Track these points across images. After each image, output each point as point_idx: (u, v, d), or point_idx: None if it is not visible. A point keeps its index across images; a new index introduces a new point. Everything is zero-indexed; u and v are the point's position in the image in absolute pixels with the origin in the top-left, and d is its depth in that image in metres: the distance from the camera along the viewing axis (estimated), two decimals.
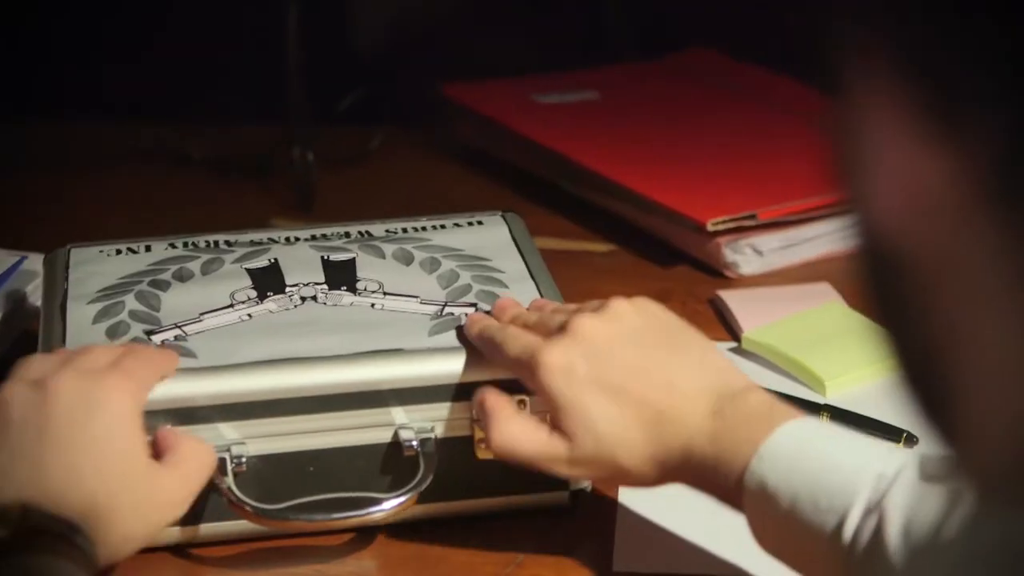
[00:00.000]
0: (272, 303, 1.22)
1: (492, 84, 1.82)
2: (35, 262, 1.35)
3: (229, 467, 1.11)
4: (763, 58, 1.87)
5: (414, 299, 1.22)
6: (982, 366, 0.50)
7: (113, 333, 1.18)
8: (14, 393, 1.04)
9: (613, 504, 1.18)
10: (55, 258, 1.28)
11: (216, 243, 1.30)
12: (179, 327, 1.18)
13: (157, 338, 1.17)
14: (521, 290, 1.24)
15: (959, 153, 0.48)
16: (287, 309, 1.21)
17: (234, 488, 1.10)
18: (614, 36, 2.06)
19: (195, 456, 1.07)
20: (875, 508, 0.93)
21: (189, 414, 1.11)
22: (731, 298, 1.45)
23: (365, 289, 1.24)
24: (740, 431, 1.01)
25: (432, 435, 1.14)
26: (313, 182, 1.68)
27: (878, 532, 0.92)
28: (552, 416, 1.07)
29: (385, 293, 1.23)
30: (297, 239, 1.31)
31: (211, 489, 1.11)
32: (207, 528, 1.13)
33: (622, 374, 1.06)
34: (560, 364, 1.06)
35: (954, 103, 0.48)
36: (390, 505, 1.11)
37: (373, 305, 1.22)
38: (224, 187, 1.74)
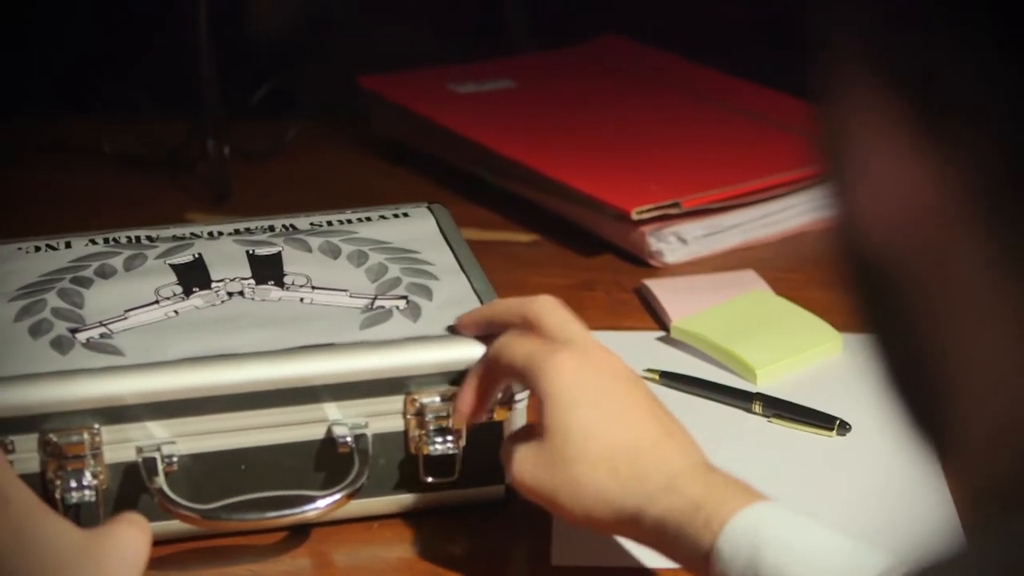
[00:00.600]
0: (198, 299, 1.19)
1: (408, 75, 1.80)
2: None
3: (160, 466, 1.08)
4: (670, 44, 1.87)
5: (343, 293, 1.21)
6: (972, 377, 0.50)
7: (36, 332, 1.15)
8: None
9: None
10: None
11: (138, 239, 1.28)
12: (104, 325, 1.16)
13: (82, 336, 1.14)
14: (451, 282, 1.23)
15: (948, 163, 0.48)
16: (213, 305, 1.19)
17: (165, 488, 1.07)
18: (512, 25, 2.05)
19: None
20: None
21: (117, 413, 1.09)
22: (657, 287, 1.45)
23: (293, 283, 1.22)
24: (708, 508, 0.97)
25: (366, 431, 1.12)
26: (228, 175, 1.66)
27: None
28: (541, 411, 1.04)
29: (313, 287, 1.21)
30: (220, 233, 1.29)
31: (141, 489, 1.09)
32: None
33: (621, 399, 1.05)
34: (569, 367, 1.05)
35: (943, 113, 0.48)
36: (324, 503, 1.09)
37: (302, 300, 1.20)
38: (138, 182, 1.71)
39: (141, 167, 1.72)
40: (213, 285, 1.21)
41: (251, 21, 2.09)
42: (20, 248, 1.26)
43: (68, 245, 1.27)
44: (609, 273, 1.51)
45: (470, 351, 1.13)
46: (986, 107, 0.47)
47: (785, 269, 1.50)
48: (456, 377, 1.13)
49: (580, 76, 1.80)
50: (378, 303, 1.19)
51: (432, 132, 1.70)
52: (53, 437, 1.08)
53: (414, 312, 1.18)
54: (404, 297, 1.20)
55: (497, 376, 1.09)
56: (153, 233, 1.29)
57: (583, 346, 1.08)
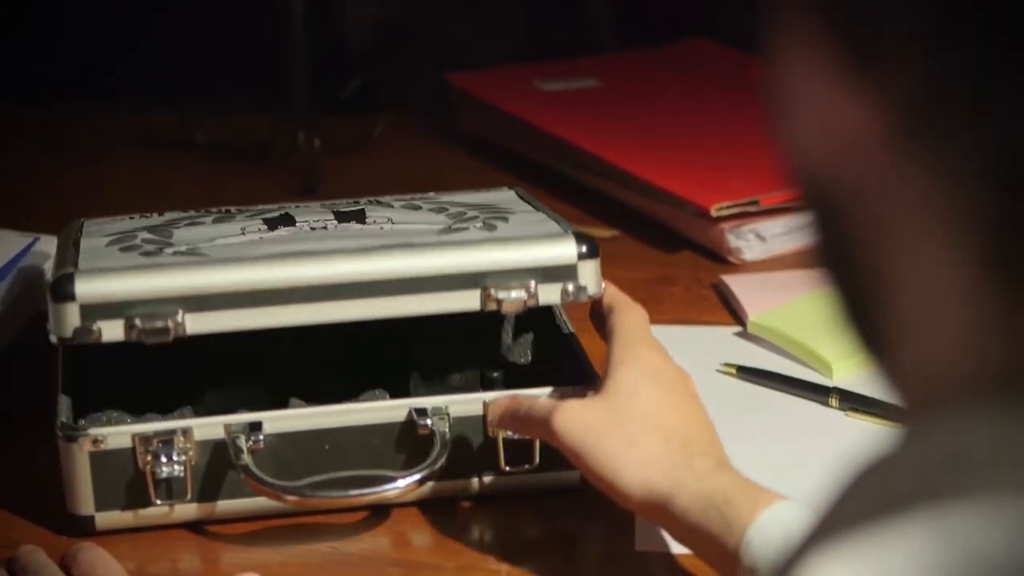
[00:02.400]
0: (283, 231, 1.22)
1: (494, 72, 1.83)
2: (47, 244, 1.36)
3: (246, 445, 1.11)
4: (752, 46, 1.88)
5: (422, 224, 1.23)
6: (912, 301, 0.52)
7: (127, 249, 1.18)
8: None
9: None
10: (69, 229, 1.28)
11: (227, 210, 1.31)
12: (190, 245, 1.19)
13: (170, 250, 1.17)
14: (527, 220, 1.24)
15: (876, 94, 0.50)
16: (297, 233, 1.22)
17: (252, 465, 1.11)
18: (597, 24, 2.07)
19: None
20: None
21: (200, 302, 1.12)
22: (735, 283, 1.47)
23: (374, 222, 1.24)
24: (739, 503, 0.99)
25: (447, 414, 1.15)
26: (318, 167, 1.69)
27: None
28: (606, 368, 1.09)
29: (393, 223, 1.23)
30: (307, 206, 1.32)
31: (228, 467, 1.12)
32: (224, 505, 1.14)
33: (680, 394, 1.07)
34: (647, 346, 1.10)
35: (869, 44, 0.50)
36: (404, 483, 1.12)
37: (382, 228, 1.22)
38: (228, 172, 1.74)
39: (232, 158, 1.76)
40: (298, 224, 1.23)
41: (342, 19, 2.12)
42: (115, 220, 1.29)
43: (161, 214, 1.30)
44: (688, 269, 1.53)
45: (545, 250, 1.17)
46: (909, 37, 0.49)
47: None
48: (532, 274, 1.15)
49: (663, 76, 1.83)
50: (456, 225, 1.22)
51: (517, 128, 1.73)
52: (138, 322, 1.11)
53: (490, 227, 1.21)
54: (480, 219, 1.23)
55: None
56: (242, 208, 1.31)
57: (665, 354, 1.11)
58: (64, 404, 1.15)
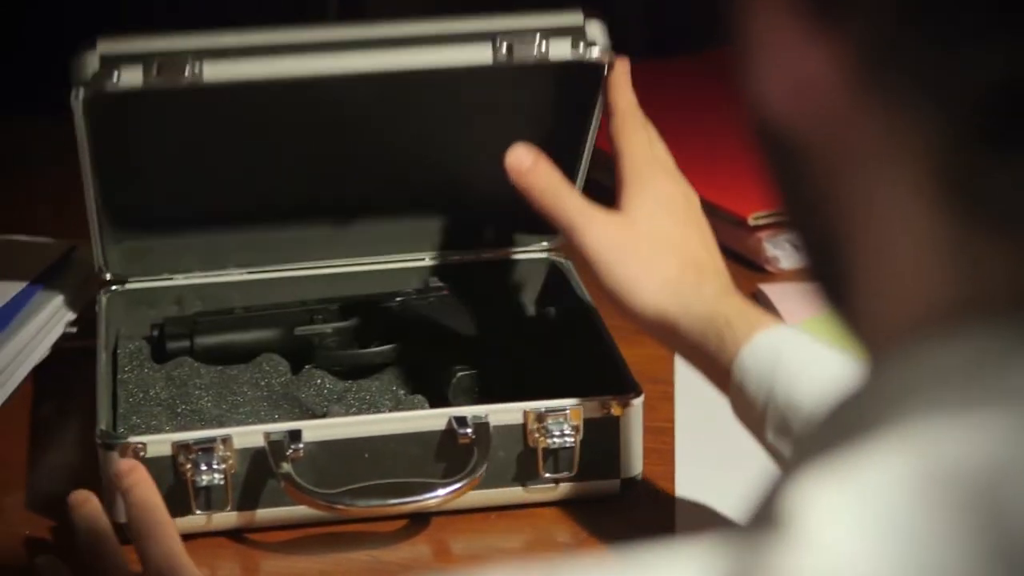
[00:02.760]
0: None
1: None
2: (85, 251, 1.35)
3: (287, 453, 1.11)
4: None
5: None
6: (872, 242, 0.53)
7: None
8: None
9: (666, 493, 1.19)
10: None
11: None
12: None
13: None
14: None
15: (836, 36, 0.51)
16: None
17: (292, 473, 1.10)
18: (631, 33, 2.07)
19: None
20: None
21: (219, 53, 1.18)
22: (774, 292, 1.46)
23: None
24: (739, 325, 1.05)
25: (486, 422, 1.14)
26: None
27: None
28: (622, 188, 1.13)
29: None
30: None
31: (268, 475, 1.12)
32: (263, 513, 1.14)
33: (695, 215, 1.15)
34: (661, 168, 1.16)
35: None
36: (444, 492, 1.12)
37: None
38: None
39: None
40: None
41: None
42: None
43: None
44: None
45: (552, 16, 1.24)
46: None
47: None
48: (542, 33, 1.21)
49: (699, 84, 1.82)
50: None
51: None
52: (155, 67, 1.16)
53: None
54: None
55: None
56: None
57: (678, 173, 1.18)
58: (103, 411, 1.15)
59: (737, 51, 0.56)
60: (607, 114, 1.18)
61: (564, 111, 1.32)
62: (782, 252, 1.52)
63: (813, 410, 0.94)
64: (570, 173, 1.30)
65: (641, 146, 1.15)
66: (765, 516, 0.51)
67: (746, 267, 1.54)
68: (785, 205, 0.57)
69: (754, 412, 1.03)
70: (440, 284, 1.35)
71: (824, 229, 0.55)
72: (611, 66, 1.20)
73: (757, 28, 0.54)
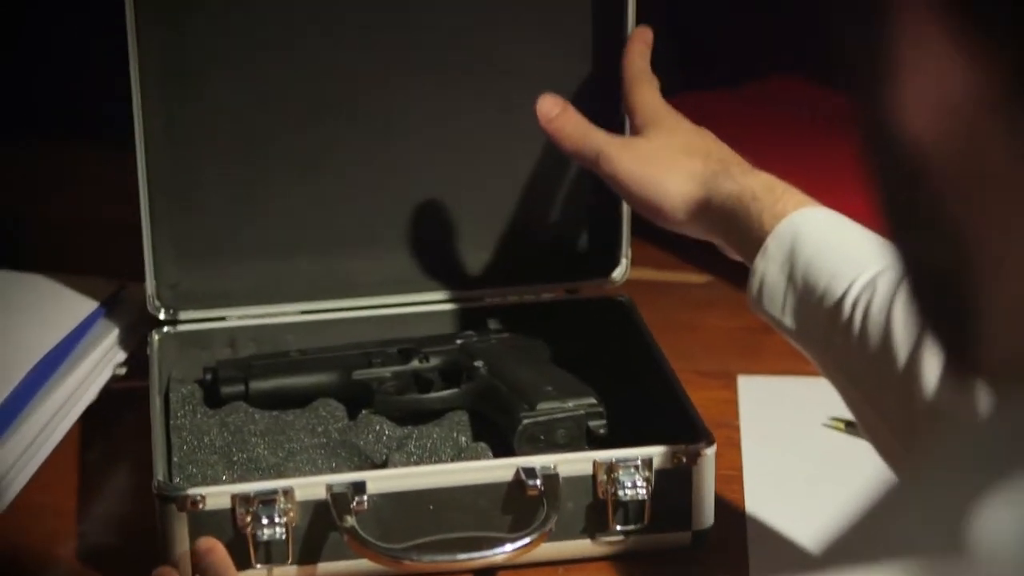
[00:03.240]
0: None
1: None
2: (135, 291, 1.32)
3: (351, 505, 1.08)
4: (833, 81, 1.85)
5: None
6: (1008, 279, 0.51)
7: None
8: None
9: (738, 545, 1.15)
10: None
11: None
12: None
13: None
14: None
15: (988, 62, 0.49)
16: None
17: (357, 527, 1.07)
18: (668, 66, 2.03)
19: None
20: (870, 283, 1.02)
21: None
22: None
23: None
24: (764, 200, 1.10)
25: (556, 473, 1.11)
26: None
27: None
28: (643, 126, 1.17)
29: None
30: None
31: (331, 528, 1.09)
32: (325, 567, 1.11)
33: (715, 140, 1.18)
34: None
35: (981, 7, 0.49)
36: (513, 547, 1.08)
37: None
38: None
39: None
40: None
41: None
42: None
43: None
44: None
45: None
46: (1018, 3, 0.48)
47: None
48: None
49: (744, 115, 1.78)
50: None
51: None
52: None
53: None
54: None
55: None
56: None
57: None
58: (159, 461, 1.12)
59: (869, 71, 0.54)
60: (621, 76, 1.22)
61: None
62: None
63: (826, 290, 1.03)
64: (619, 200, 1.31)
65: (654, 96, 1.20)
66: (951, 547, 0.49)
67: None
68: (900, 230, 0.55)
69: (776, 296, 1.07)
70: (500, 327, 1.32)
71: (948, 257, 0.53)
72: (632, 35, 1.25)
73: (904, 49, 0.52)
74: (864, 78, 0.55)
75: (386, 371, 1.26)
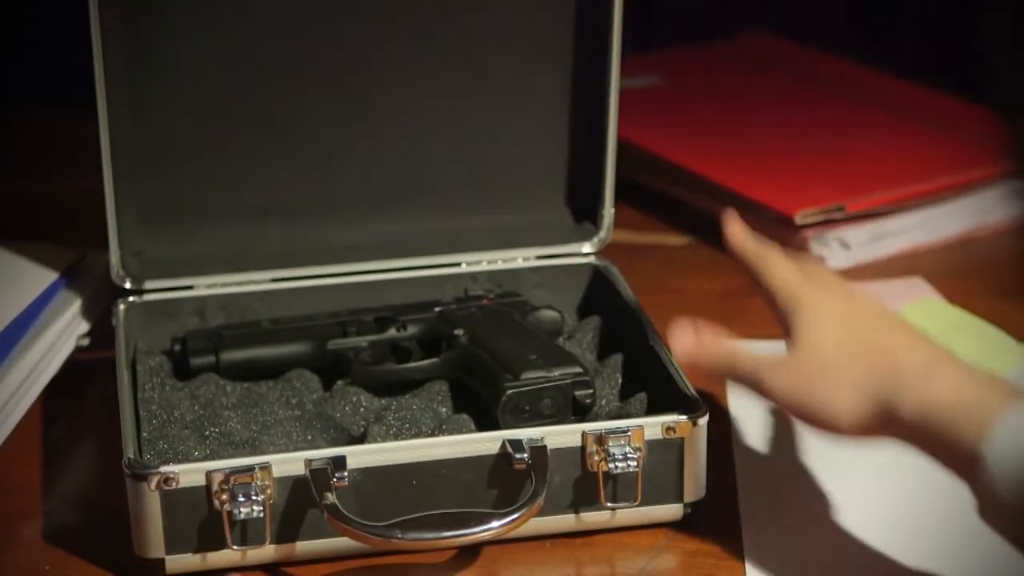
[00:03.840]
0: None
1: None
2: (96, 260, 1.27)
3: (331, 482, 1.03)
4: (815, 40, 1.82)
5: None
6: None
7: None
8: None
9: (730, 517, 1.11)
10: None
11: None
12: None
13: None
14: None
15: None
16: None
17: (338, 504, 1.02)
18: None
19: None
20: None
21: None
22: None
23: None
24: (971, 401, 0.95)
25: (543, 445, 1.07)
26: None
27: None
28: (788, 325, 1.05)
29: None
30: None
31: (310, 504, 1.04)
32: (303, 546, 1.06)
33: (869, 318, 1.04)
34: (818, 287, 1.06)
35: None
36: (499, 523, 1.04)
37: None
38: None
39: None
40: None
41: None
42: None
43: None
44: None
45: None
46: None
47: (954, 276, 1.44)
48: None
49: (728, 73, 1.75)
50: None
51: None
52: None
53: None
54: None
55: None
56: None
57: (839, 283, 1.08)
58: (129, 437, 1.07)
59: None
60: (738, 259, 1.13)
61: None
62: (829, 251, 1.45)
63: None
64: (599, 163, 1.29)
65: (783, 275, 1.08)
66: None
67: None
68: None
69: (1006, 510, 0.93)
70: (480, 292, 1.28)
71: None
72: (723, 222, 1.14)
73: None
74: None
75: (362, 340, 1.22)
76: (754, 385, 1.04)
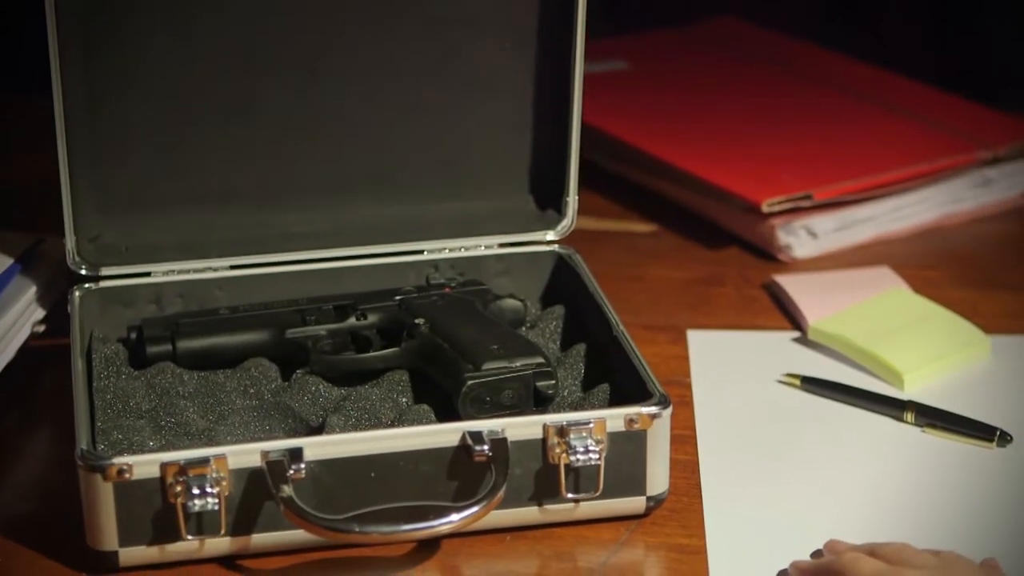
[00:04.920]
0: None
1: None
2: (53, 246, 1.25)
3: (288, 474, 1.01)
4: (780, 24, 1.80)
5: None
6: None
7: None
8: None
9: (693, 509, 1.10)
10: None
11: None
12: None
13: None
14: None
15: None
16: None
17: (295, 497, 1.01)
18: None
19: None
20: None
21: None
22: (790, 284, 1.37)
23: None
24: None
25: (504, 438, 1.05)
26: None
27: None
28: None
29: None
30: None
31: (266, 497, 1.02)
32: (259, 539, 1.04)
33: None
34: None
35: None
36: (459, 517, 1.02)
37: None
38: None
39: None
40: None
41: None
42: None
43: None
44: (735, 268, 1.44)
45: None
46: None
47: (921, 266, 1.43)
48: None
49: (697, 58, 1.73)
50: None
51: None
52: None
53: None
54: None
55: None
56: None
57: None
58: (83, 428, 1.05)
59: None
60: None
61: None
62: (795, 240, 1.44)
63: None
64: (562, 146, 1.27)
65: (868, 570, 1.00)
66: None
67: (758, 256, 1.45)
68: None
69: None
70: (442, 281, 1.26)
71: None
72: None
73: None
74: None
75: (321, 329, 1.20)
76: None
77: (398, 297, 1.23)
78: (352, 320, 1.21)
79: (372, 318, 1.21)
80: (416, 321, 1.19)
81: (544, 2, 1.26)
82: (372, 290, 1.24)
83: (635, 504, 1.09)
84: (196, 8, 1.21)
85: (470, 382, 1.11)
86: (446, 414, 1.12)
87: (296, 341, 1.19)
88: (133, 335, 1.20)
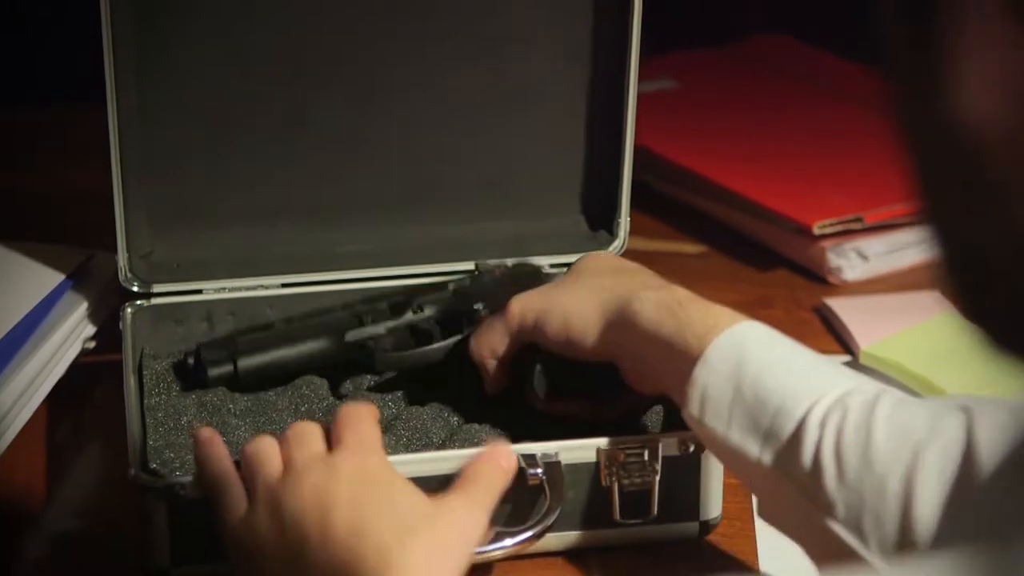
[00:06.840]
0: None
1: None
2: (105, 262, 1.25)
3: None
4: (829, 43, 1.79)
5: None
6: None
7: None
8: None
9: (745, 534, 1.10)
10: None
11: None
12: None
13: None
14: None
15: None
16: None
17: None
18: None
19: (483, 472, 0.97)
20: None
21: None
22: (841, 307, 1.37)
23: None
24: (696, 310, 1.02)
25: (557, 460, 1.04)
26: None
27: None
28: None
29: None
30: None
31: None
32: None
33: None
34: None
35: None
36: (512, 542, 1.02)
37: None
38: None
39: None
40: None
41: None
42: None
43: None
44: (785, 290, 1.43)
45: None
46: None
47: None
48: None
49: (745, 77, 1.72)
50: None
51: None
52: None
53: None
54: None
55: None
56: None
57: None
58: (136, 448, 1.05)
59: (922, 54, 0.55)
60: None
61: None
62: (846, 262, 1.43)
63: (781, 407, 0.95)
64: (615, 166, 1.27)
65: None
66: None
67: (806, 277, 1.45)
68: (945, 210, 0.57)
69: (721, 410, 0.98)
70: (493, 263, 1.24)
71: (1007, 231, 0.53)
72: None
73: (967, 31, 0.53)
74: (914, 58, 0.55)
75: (380, 328, 1.19)
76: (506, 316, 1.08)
77: (451, 285, 1.21)
78: (410, 315, 1.19)
79: (430, 310, 1.20)
80: (475, 307, 1.17)
81: (597, 19, 1.25)
82: (422, 283, 1.24)
83: (688, 529, 1.08)
84: (249, 24, 1.21)
85: (539, 366, 1.10)
86: (499, 433, 1.12)
87: (357, 344, 1.18)
88: (190, 360, 1.18)
